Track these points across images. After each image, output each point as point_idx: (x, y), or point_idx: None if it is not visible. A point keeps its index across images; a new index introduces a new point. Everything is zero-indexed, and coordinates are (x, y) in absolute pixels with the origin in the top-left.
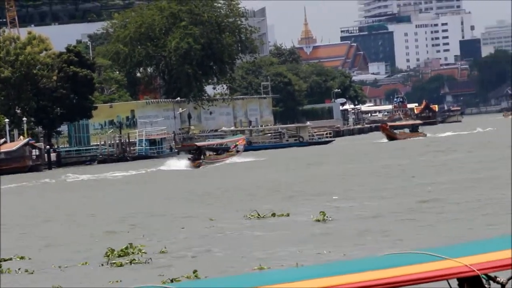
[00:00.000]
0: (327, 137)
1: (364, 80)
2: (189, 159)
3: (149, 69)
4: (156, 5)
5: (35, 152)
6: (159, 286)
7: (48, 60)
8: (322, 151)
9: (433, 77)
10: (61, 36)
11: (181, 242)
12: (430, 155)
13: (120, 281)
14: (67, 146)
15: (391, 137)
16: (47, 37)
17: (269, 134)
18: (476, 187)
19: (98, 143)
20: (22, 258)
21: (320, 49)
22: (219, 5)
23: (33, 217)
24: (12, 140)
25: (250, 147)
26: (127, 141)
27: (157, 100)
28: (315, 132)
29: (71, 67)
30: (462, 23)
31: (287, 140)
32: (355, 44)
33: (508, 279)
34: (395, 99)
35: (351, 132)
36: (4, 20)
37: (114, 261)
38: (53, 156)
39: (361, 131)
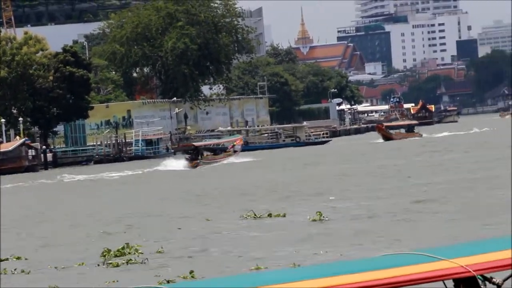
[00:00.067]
0: (323, 137)
1: (360, 80)
2: (186, 159)
3: (146, 69)
4: (152, 5)
5: (31, 152)
6: (155, 287)
7: (44, 60)
8: (319, 151)
9: (430, 77)
10: (57, 36)
11: (177, 242)
12: (425, 155)
13: (117, 281)
14: (64, 146)
15: (387, 137)
16: (44, 37)
17: (266, 134)
18: (473, 188)
19: (95, 143)
20: (18, 258)
21: (316, 49)
22: (216, 5)
23: (29, 218)
24: (8, 140)
25: (246, 147)
26: (124, 141)
27: (153, 100)
28: (311, 132)
29: (67, 67)
30: (459, 23)
31: (284, 140)
32: (351, 44)
33: (504, 280)
34: (392, 99)
35: (348, 132)
36: (1, 20)
37: (110, 261)
38: (49, 156)
39: (358, 131)
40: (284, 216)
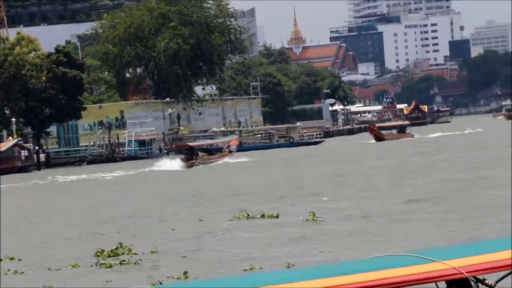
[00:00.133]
0: (317, 137)
1: (353, 80)
2: (181, 159)
3: (138, 70)
4: (145, 5)
5: (24, 153)
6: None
7: (37, 60)
8: (313, 151)
9: (423, 77)
10: (50, 37)
11: (171, 242)
12: (416, 156)
13: (110, 281)
14: (56, 147)
15: (379, 138)
16: (36, 37)
17: (259, 135)
18: (465, 188)
19: (87, 144)
20: (12, 259)
21: (309, 49)
22: (209, 5)
23: (23, 218)
24: (1, 141)
25: (240, 147)
26: (116, 141)
27: (146, 100)
28: (305, 133)
29: (60, 67)
30: (451, 23)
31: (277, 141)
32: (344, 45)
33: (497, 282)
34: (385, 100)
35: (341, 133)
36: None
37: (103, 262)
38: (42, 157)
39: (351, 132)
40: (277, 216)
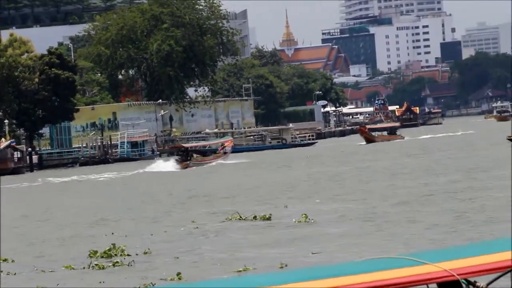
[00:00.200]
0: (309, 139)
1: (345, 82)
2: (176, 160)
3: (131, 71)
4: (137, 7)
5: (17, 154)
6: None
7: (29, 62)
8: (306, 153)
9: (414, 79)
10: (42, 38)
11: (164, 243)
12: (407, 158)
13: (103, 282)
14: (49, 148)
15: (369, 140)
16: (29, 39)
17: (252, 136)
18: (457, 190)
19: (80, 145)
20: (5, 260)
21: (301, 51)
22: (201, 7)
23: (16, 219)
24: None
25: (233, 149)
26: (109, 143)
27: (139, 102)
28: (297, 134)
29: (52, 69)
30: (443, 25)
31: (270, 142)
32: (336, 46)
33: (488, 284)
34: (376, 101)
35: (332, 134)
36: None
37: (96, 263)
38: (35, 158)
39: (342, 133)
40: (269, 218)
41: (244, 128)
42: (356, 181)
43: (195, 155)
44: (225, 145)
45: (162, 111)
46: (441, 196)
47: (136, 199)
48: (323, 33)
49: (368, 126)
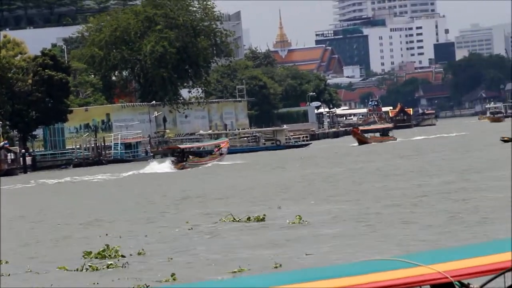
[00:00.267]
0: (303, 140)
1: (339, 83)
2: (172, 161)
3: (125, 73)
4: (131, 9)
5: (10, 156)
6: None
7: (23, 63)
8: (300, 154)
9: (408, 80)
10: (36, 40)
11: (158, 245)
12: (400, 159)
13: (97, 283)
14: (43, 149)
15: (362, 141)
16: (22, 40)
17: (246, 138)
18: (452, 192)
19: (74, 147)
20: None
21: (295, 52)
22: (195, 9)
23: (10, 221)
24: None
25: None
26: (103, 144)
27: (132, 103)
28: (291, 136)
29: (46, 70)
30: (436, 26)
31: (264, 144)
32: (330, 48)
33: (481, 286)
34: (370, 103)
35: (326, 136)
36: None
37: (90, 264)
38: (28, 160)
39: (336, 135)
40: (263, 219)
41: (238, 129)
42: (350, 182)
43: (191, 156)
44: (221, 146)
45: (156, 112)
46: (435, 197)
47: (130, 200)
48: (316, 34)
49: (361, 128)
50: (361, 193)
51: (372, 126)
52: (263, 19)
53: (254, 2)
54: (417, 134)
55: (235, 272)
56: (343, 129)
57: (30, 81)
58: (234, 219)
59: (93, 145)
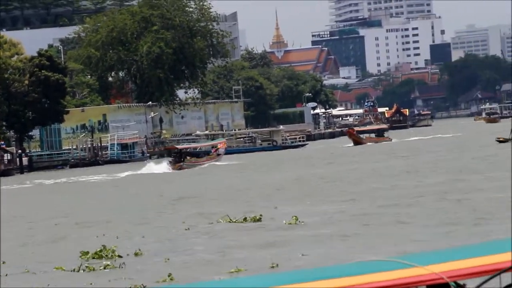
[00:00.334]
0: (300, 141)
1: (335, 84)
2: (170, 162)
3: (121, 73)
4: (127, 9)
5: (6, 156)
6: None
7: (19, 64)
8: (296, 155)
9: (404, 81)
10: (32, 41)
11: (155, 245)
12: (395, 160)
13: (93, 284)
14: (39, 150)
15: (357, 142)
16: (19, 41)
17: (242, 138)
18: (445, 193)
19: (70, 147)
20: None
21: (291, 53)
22: (191, 9)
23: (6, 221)
24: None
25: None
26: (99, 145)
27: (129, 104)
28: (287, 136)
29: (42, 71)
30: (432, 27)
31: (261, 144)
32: (326, 49)
33: (477, 287)
34: (366, 103)
35: (322, 136)
36: None
37: (87, 264)
38: (25, 160)
39: (332, 135)
40: (260, 220)
41: (234, 130)
42: (346, 182)
43: (188, 157)
44: (219, 147)
45: (152, 113)
46: (431, 197)
47: (127, 201)
48: (313, 35)
49: (356, 128)
50: (357, 194)
51: (368, 127)
52: (260, 20)
53: (251, 3)
54: (413, 134)
55: (232, 272)
56: (339, 129)
57: (26, 81)
58: (231, 219)
59: (89, 145)
